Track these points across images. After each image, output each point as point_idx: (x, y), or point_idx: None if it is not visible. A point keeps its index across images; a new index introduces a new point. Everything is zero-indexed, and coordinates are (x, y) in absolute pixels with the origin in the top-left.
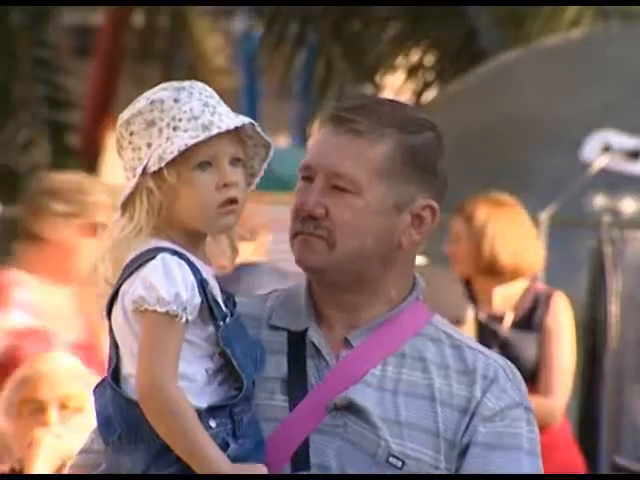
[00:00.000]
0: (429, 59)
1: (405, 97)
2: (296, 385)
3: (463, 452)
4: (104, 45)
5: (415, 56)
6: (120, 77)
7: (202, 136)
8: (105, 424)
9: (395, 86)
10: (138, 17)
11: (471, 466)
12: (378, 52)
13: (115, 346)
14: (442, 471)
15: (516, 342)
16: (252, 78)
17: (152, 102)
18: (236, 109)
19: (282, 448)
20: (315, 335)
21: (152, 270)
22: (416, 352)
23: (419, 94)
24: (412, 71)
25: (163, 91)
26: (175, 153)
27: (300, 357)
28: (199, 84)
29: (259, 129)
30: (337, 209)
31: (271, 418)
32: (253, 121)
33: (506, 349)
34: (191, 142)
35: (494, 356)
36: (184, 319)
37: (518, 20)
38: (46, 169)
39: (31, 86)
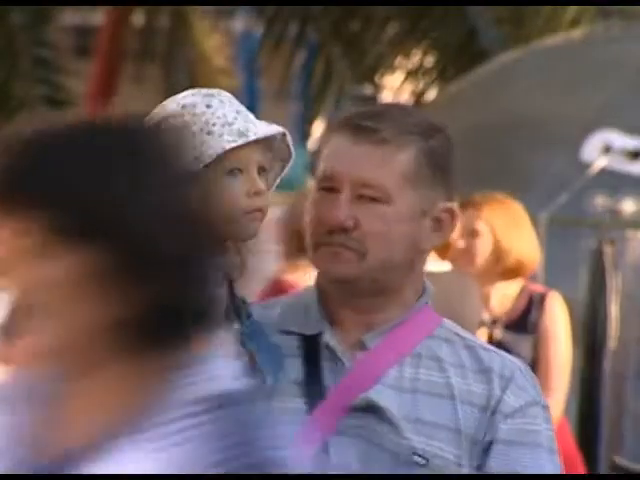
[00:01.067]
0: (429, 59)
1: (405, 97)
2: (313, 387)
3: (485, 449)
4: (104, 45)
5: (415, 56)
6: (120, 77)
7: (240, 141)
8: None
9: (395, 86)
10: (138, 17)
11: (495, 463)
12: (378, 52)
13: None
14: (465, 468)
15: (511, 344)
16: (252, 78)
17: (184, 106)
18: None
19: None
20: (330, 338)
21: None
22: (431, 353)
23: (419, 94)
24: (412, 71)
25: (193, 97)
26: (213, 157)
27: (315, 360)
28: (226, 93)
29: (289, 139)
30: (367, 219)
31: (289, 421)
32: (285, 131)
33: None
34: (229, 146)
35: (507, 356)
36: None
37: (518, 20)
38: None
39: (31, 86)
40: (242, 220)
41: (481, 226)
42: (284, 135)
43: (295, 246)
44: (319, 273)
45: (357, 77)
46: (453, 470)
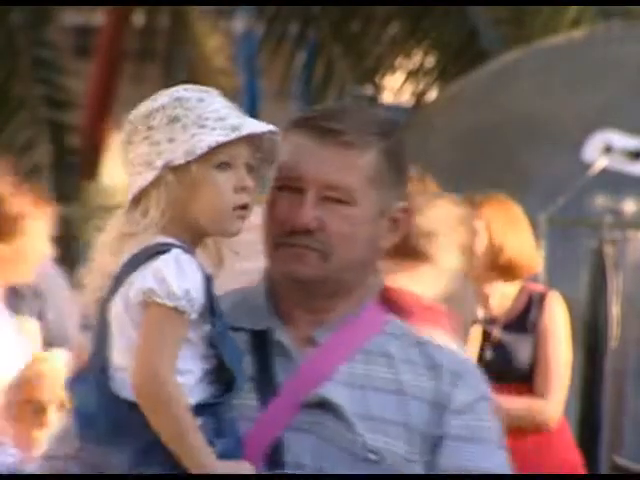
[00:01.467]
0: (430, 59)
1: (406, 98)
2: (265, 384)
3: (436, 445)
4: (104, 45)
5: (416, 56)
6: (120, 77)
7: (233, 135)
8: (86, 421)
9: (395, 87)
10: (138, 17)
11: (446, 459)
12: (378, 52)
13: (103, 339)
14: (417, 463)
15: (510, 343)
16: (252, 78)
17: (177, 99)
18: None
19: (256, 447)
20: (281, 334)
21: (165, 264)
22: (381, 349)
23: (420, 95)
24: (413, 71)
25: (185, 91)
26: (205, 149)
27: (266, 356)
28: (217, 92)
29: (278, 140)
30: (333, 221)
31: (242, 417)
32: (276, 130)
33: (500, 350)
34: (222, 140)
35: (457, 352)
36: (190, 316)
37: (519, 20)
38: (46, 169)
39: (31, 86)
40: (228, 216)
41: (479, 225)
42: (274, 134)
43: (395, 248)
44: (274, 271)
45: (358, 77)
46: (405, 466)
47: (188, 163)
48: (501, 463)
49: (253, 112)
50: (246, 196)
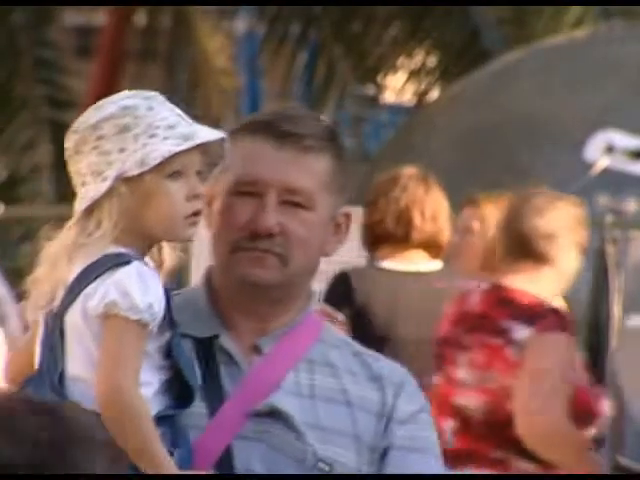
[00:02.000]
0: (431, 59)
1: (407, 98)
2: (212, 391)
3: (382, 455)
4: (106, 45)
5: (417, 56)
6: (122, 77)
7: (185, 145)
8: None
9: (397, 87)
10: (140, 17)
11: (391, 468)
12: (380, 52)
13: (56, 348)
14: (366, 473)
15: None
16: (254, 78)
17: (125, 107)
18: (238, 109)
19: (206, 455)
20: (227, 341)
21: (127, 276)
22: (323, 358)
23: (422, 94)
24: (414, 71)
25: (132, 99)
26: (159, 159)
27: (212, 364)
28: (161, 97)
29: (226, 144)
30: (293, 225)
31: (191, 425)
32: (225, 136)
33: None
34: (176, 150)
35: (393, 362)
36: (151, 329)
37: (521, 20)
38: (47, 169)
39: (33, 86)
40: (181, 224)
41: (476, 224)
42: (223, 140)
43: (514, 249)
44: (229, 275)
45: (359, 77)
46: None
47: (141, 174)
48: (439, 472)
49: (255, 112)
50: (198, 203)
